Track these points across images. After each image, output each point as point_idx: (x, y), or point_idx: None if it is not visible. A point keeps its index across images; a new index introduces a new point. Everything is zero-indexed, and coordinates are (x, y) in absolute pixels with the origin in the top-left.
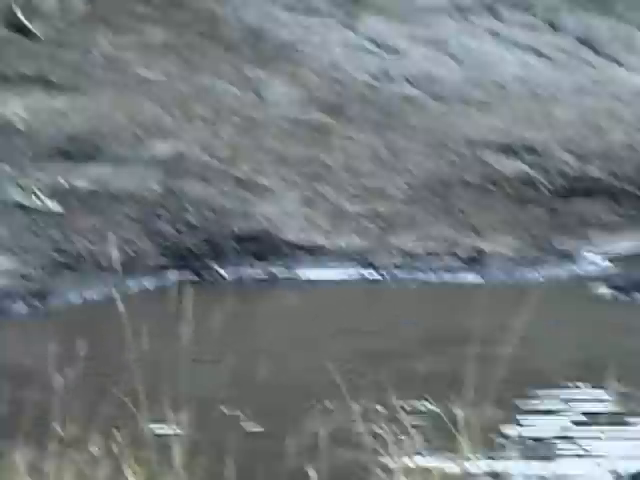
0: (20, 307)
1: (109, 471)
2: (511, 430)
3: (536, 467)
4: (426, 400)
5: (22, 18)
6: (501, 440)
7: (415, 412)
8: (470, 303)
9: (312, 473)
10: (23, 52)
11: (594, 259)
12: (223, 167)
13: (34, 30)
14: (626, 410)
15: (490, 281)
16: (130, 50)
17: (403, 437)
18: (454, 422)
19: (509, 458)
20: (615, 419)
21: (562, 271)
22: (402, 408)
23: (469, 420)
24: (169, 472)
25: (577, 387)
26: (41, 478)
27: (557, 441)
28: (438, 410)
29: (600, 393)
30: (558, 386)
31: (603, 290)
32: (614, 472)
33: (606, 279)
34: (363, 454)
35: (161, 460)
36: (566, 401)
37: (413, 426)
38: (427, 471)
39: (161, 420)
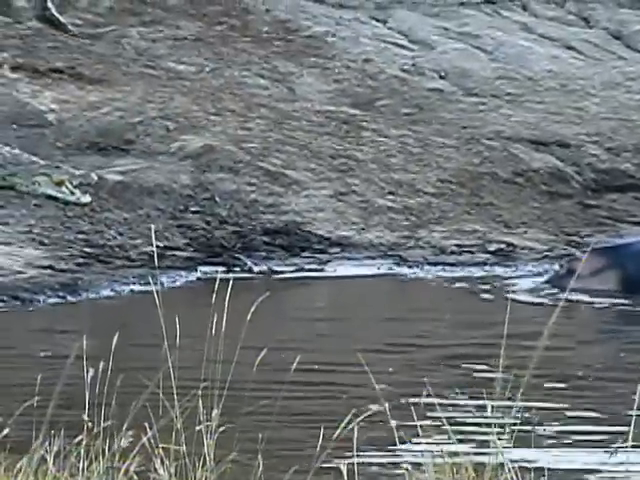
0: (49, 298)
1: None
2: None
3: None
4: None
5: (54, 11)
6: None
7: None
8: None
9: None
10: (55, 45)
11: None
12: (254, 160)
13: (66, 23)
14: None
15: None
16: (161, 43)
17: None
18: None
19: None
20: None
21: None
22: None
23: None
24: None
25: None
26: (70, 469)
27: None
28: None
29: None
30: None
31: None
32: None
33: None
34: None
35: (191, 453)
36: None
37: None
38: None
39: (193, 413)
